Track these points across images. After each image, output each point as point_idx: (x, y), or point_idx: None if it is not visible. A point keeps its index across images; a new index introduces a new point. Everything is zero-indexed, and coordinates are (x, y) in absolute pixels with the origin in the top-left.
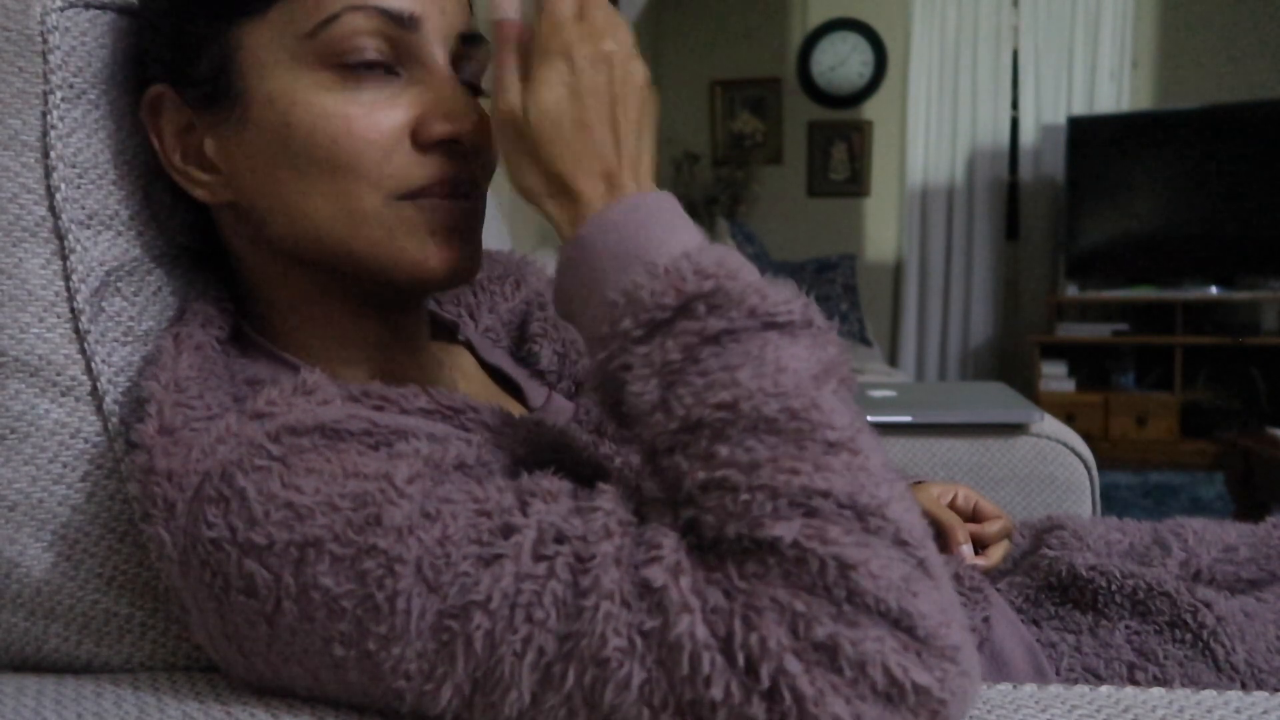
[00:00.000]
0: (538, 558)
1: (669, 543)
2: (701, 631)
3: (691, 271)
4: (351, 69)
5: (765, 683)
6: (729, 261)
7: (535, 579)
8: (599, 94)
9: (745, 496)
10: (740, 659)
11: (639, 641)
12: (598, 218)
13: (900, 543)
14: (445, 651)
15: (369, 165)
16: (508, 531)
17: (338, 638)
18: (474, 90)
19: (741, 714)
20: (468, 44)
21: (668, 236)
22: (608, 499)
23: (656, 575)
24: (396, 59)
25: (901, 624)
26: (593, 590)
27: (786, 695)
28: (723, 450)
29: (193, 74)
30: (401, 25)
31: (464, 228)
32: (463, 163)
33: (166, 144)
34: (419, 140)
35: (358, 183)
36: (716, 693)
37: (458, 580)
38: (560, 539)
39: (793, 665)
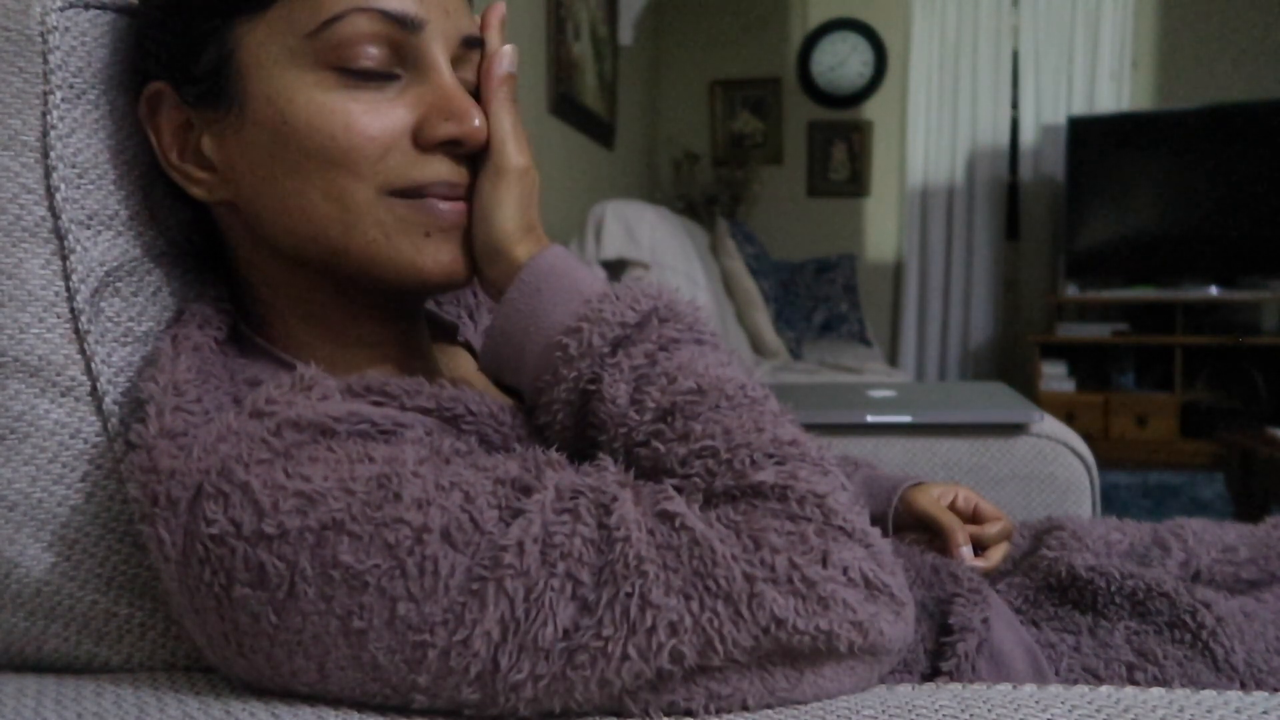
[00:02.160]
0: (559, 511)
1: (671, 488)
2: (727, 538)
3: (641, 294)
4: (348, 65)
5: (782, 576)
6: (660, 288)
7: (562, 524)
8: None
9: (727, 456)
10: (757, 560)
11: (669, 556)
12: (543, 257)
13: (840, 484)
14: (476, 599)
15: (365, 161)
16: (527, 492)
17: (358, 610)
18: (474, 93)
19: (771, 596)
20: (469, 47)
21: (588, 274)
22: (609, 462)
23: (674, 506)
24: (398, 62)
25: (862, 541)
26: (620, 525)
27: (800, 585)
28: (697, 426)
29: (191, 72)
30: (404, 28)
31: (461, 229)
32: (463, 164)
33: (164, 142)
34: (421, 141)
35: (353, 179)
36: (749, 580)
37: (485, 537)
38: (577, 493)
39: (800, 560)
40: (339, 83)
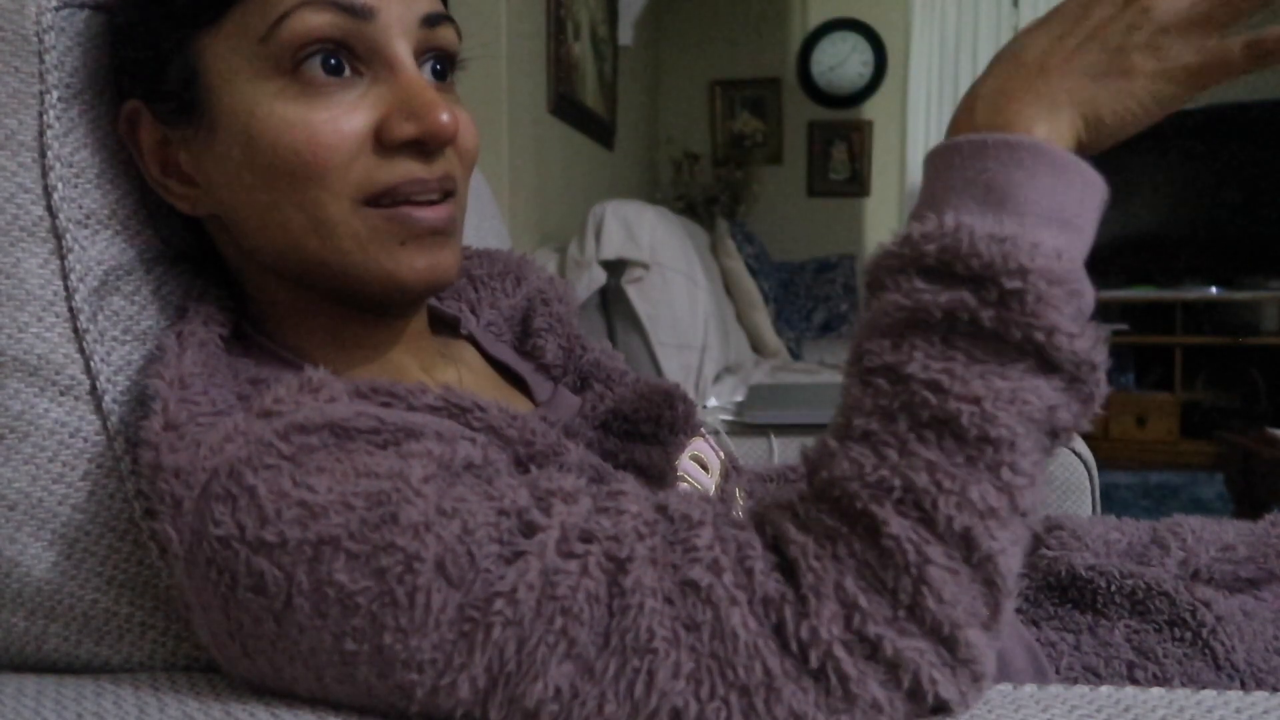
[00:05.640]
0: (565, 555)
1: (703, 541)
2: (751, 622)
3: (1018, 267)
4: (306, 69)
5: (814, 664)
6: (1059, 287)
7: (567, 574)
8: None
9: (885, 473)
10: (793, 645)
11: (684, 633)
12: (1044, 147)
13: (989, 584)
14: (464, 642)
15: (333, 173)
16: (530, 530)
17: (350, 633)
18: (443, 74)
19: (791, 691)
20: (432, 26)
21: (1053, 219)
22: (630, 500)
23: (700, 575)
24: (358, 60)
25: (947, 644)
26: (635, 589)
27: (832, 676)
28: (902, 424)
29: (162, 88)
30: (355, 16)
31: (437, 234)
32: (433, 162)
33: (146, 158)
34: (383, 143)
35: (323, 191)
36: (768, 675)
37: (480, 576)
38: (588, 538)
39: (840, 652)
40: (299, 92)
